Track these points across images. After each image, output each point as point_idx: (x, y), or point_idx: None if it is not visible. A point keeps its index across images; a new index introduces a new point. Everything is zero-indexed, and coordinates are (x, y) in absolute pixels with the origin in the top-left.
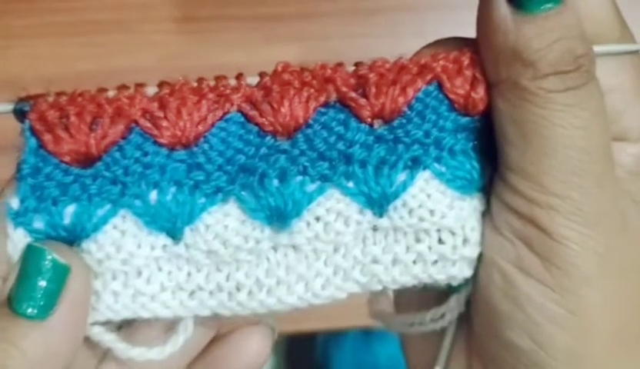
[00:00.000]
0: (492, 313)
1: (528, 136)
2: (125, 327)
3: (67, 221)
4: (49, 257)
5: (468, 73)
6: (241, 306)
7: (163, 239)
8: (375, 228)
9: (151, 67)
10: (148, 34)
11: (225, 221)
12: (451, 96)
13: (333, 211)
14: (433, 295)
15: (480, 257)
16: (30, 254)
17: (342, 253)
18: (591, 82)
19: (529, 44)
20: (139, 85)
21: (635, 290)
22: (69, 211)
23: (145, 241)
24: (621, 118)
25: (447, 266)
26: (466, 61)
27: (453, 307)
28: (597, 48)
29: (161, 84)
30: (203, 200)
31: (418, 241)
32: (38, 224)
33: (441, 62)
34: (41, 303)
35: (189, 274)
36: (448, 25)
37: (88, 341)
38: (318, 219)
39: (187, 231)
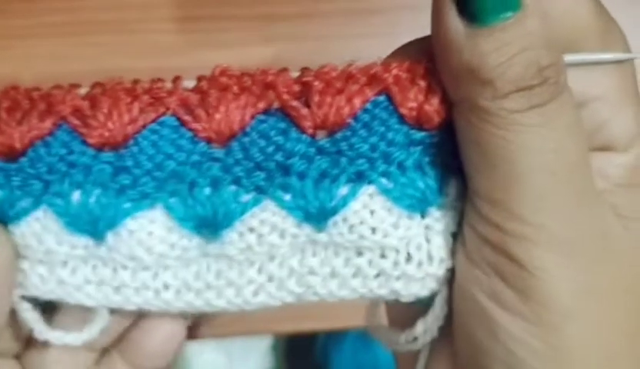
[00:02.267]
0: (472, 344)
1: (493, 160)
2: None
3: None
4: None
5: (423, 83)
6: (168, 305)
7: (84, 240)
8: (313, 241)
9: (151, 67)
10: (148, 34)
11: (149, 228)
12: (402, 110)
13: (267, 223)
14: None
15: (453, 280)
16: None
17: (278, 262)
18: (561, 96)
19: (486, 60)
20: (73, 85)
21: (623, 314)
22: None
23: (66, 240)
24: (606, 127)
25: (389, 281)
26: (421, 71)
27: (422, 331)
28: (568, 58)
29: (94, 85)
30: (128, 205)
31: (358, 254)
32: None
33: (394, 72)
34: None
35: (115, 270)
36: None
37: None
38: (251, 230)
39: (109, 235)
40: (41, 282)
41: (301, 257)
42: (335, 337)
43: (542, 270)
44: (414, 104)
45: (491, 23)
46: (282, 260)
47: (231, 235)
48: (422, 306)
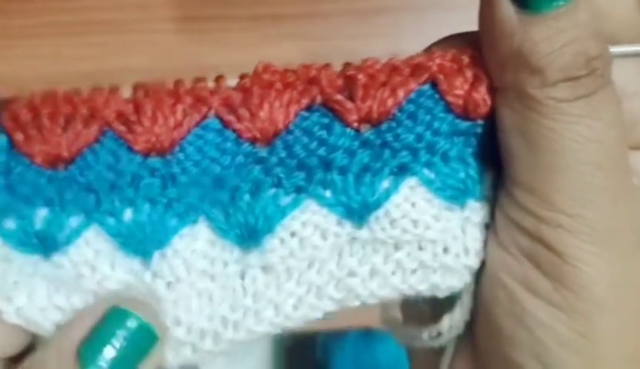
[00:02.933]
0: (497, 333)
1: (536, 150)
2: None
3: (38, 226)
4: (136, 323)
5: (469, 72)
6: (210, 353)
7: (136, 264)
8: (352, 240)
9: (151, 67)
10: (148, 34)
11: (194, 245)
12: (449, 98)
13: (309, 224)
14: (437, 311)
15: (482, 272)
16: (115, 317)
17: (316, 268)
18: (606, 88)
19: (537, 48)
20: (113, 88)
21: None
22: (40, 215)
23: (119, 263)
24: None
25: (427, 274)
26: (467, 60)
27: (447, 326)
28: (613, 49)
29: (135, 87)
30: (175, 221)
31: (397, 249)
32: (10, 223)
33: (438, 61)
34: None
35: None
36: (449, 25)
37: None
38: (293, 234)
39: (156, 255)
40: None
41: (339, 259)
42: (335, 337)
43: (578, 259)
44: (460, 92)
45: (544, 11)
46: (321, 265)
47: (272, 242)
48: (442, 302)
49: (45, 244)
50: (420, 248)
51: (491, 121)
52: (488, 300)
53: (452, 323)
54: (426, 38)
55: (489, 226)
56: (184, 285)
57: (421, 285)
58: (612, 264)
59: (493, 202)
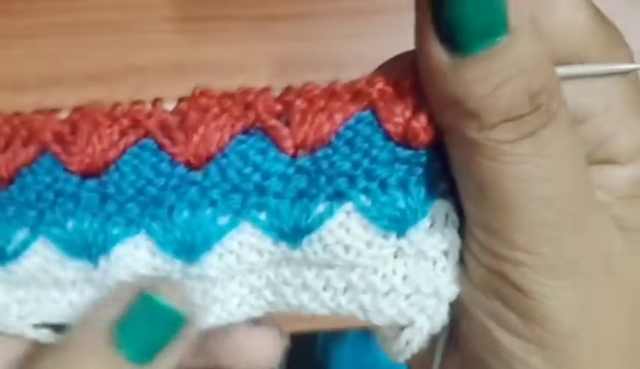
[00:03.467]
0: (478, 364)
1: (485, 190)
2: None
3: None
4: (168, 306)
5: (410, 99)
6: None
7: (84, 263)
8: (289, 259)
9: (151, 67)
10: (148, 34)
11: (135, 254)
12: (387, 126)
13: (245, 244)
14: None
15: (457, 306)
16: (149, 305)
17: (257, 274)
18: (554, 120)
19: (471, 91)
20: (53, 110)
21: (626, 333)
22: None
23: (70, 265)
24: (610, 141)
25: (356, 294)
26: (408, 86)
27: (395, 351)
28: (566, 70)
29: (74, 109)
30: (116, 231)
31: (329, 267)
32: None
33: (379, 86)
34: (149, 351)
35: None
36: None
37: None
38: (231, 252)
39: (101, 259)
40: (54, 304)
41: (276, 268)
42: (334, 337)
43: (542, 295)
44: (400, 120)
45: (476, 52)
46: (260, 272)
47: (210, 258)
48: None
49: None
50: (351, 269)
51: (443, 150)
52: (466, 333)
53: (396, 350)
54: None
55: (459, 260)
56: None
57: (350, 305)
58: (577, 294)
59: (443, 236)
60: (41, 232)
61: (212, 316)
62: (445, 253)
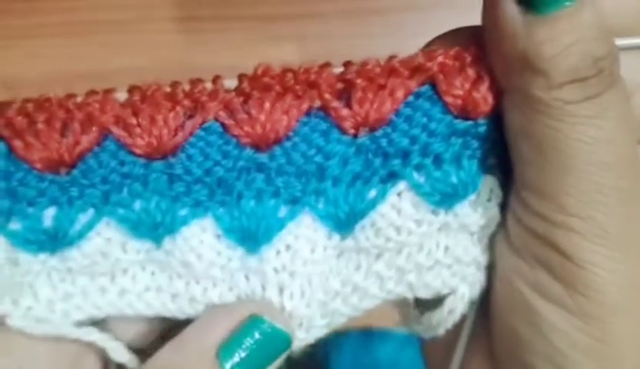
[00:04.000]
0: (512, 336)
1: (544, 152)
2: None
3: (47, 223)
4: (271, 330)
5: (471, 71)
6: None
7: (147, 244)
8: (339, 255)
9: (151, 67)
10: (148, 34)
11: (201, 236)
12: (447, 98)
13: (301, 237)
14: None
15: (494, 276)
16: (254, 323)
17: (306, 303)
18: (615, 86)
19: (541, 50)
20: (107, 91)
21: None
22: (49, 214)
23: (131, 246)
24: None
25: (403, 276)
26: (469, 58)
27: (428, 323)
28: (620, 42)
29: (131, 89)
30: (184, 212)
31: (377, 259)
32: (15, 225)
33: (439, 60)
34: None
35: (170, 278)
36: (448, 26)
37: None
38: (287, 247)
39: (166, 240)
40: (102, 296)
41: (325, 282)
42: (334, 337)
43: (591, 263)
44: (460, 92)
45: (548, 12)
46: (309, 298)
47: (269, 252)
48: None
49: (56, 241)
50: (398, 252)
51: (498, 122)
52: (502, 305)
53: (438, 320)
54: (426, 38)
55: (499, 229)
56: (197, 270)
57: (398, 287)
58: (626, 267)
59: (503, 205)
60: (106, 213)
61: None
62: (484, 226)
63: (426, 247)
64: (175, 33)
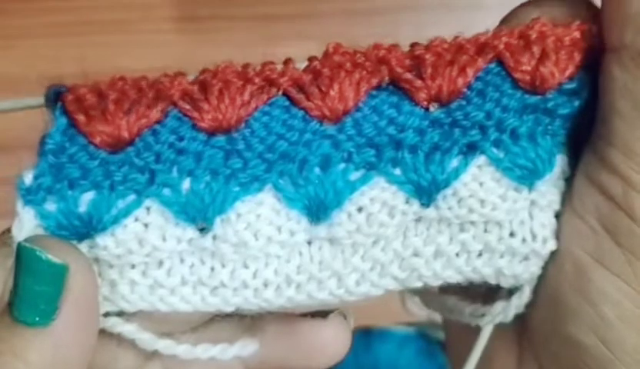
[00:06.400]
0: (557, 306)
1: None
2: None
3: (82, 209)
4: (43, 257)
5: (536, 48)
6: (268, 302)
7: (191, 232)
8: (418, 219)
9: (151, 67)
10: (148, 34)
11: (257, 210)
12: (516, 74)
13: (378, 200)
14: (491, 293)
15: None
16: (22, 256)
17: (382, 246)
18: None
19: None
20: (180, 73)
21: None
22: (86, 198)
23: (172, 234)
24: None
25: (493, 258)
26: (534, 35)
27: (496, 313)
28: None
29: (203, 70)
30: (237, 188)
31: (462, 230)
32: (50, 205)
33: (504, 39)
34: (42, 308)
35: (212, 269)
36: (449, 25)
37: (126, 341)
38: (360, 210)
39: (217, 221)
40: (131, 290)
41: (404, 239)
42: None
43: None
44: (527, 68)
45: None
46: (385, 244)
47: (340, 216)
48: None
49: (89, 227)
50: (486, 230)
51: (563, 97)
52: (553, 274)
53: (504, 311)
54: (426, 38)
55: (563, 203)
56: (252, 249)
57: (485, 269)
58: None
59: (567, 184)
60: (150, 195)
61: (325, 291)
62: (550, 203)
63: (520, 234)
64: (175, 33)
